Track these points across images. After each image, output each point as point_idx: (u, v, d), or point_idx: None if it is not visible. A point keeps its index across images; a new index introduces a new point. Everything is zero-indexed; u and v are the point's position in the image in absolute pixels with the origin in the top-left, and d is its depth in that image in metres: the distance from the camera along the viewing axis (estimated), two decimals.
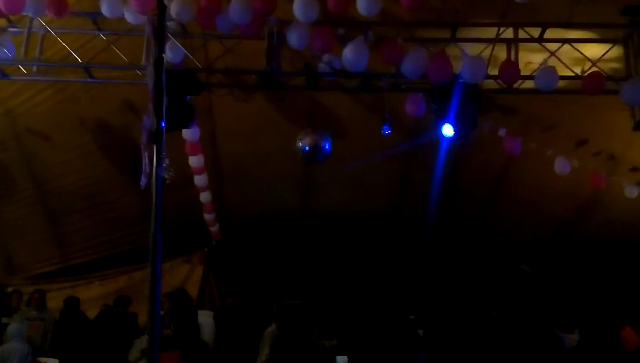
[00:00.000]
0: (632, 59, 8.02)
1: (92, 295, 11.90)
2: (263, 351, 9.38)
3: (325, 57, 7.75)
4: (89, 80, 7.91)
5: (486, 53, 7.67)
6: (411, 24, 7.78)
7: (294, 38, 7.15)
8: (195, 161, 9.91)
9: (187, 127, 8.30)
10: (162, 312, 9.46)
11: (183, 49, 7.77)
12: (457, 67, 7.45)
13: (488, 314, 10.27)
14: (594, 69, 7.76)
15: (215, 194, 11.21)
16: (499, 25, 7.73)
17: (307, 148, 8.71)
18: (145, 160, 4.60)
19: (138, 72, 7.66)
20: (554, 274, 13.20)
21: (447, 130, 7.77)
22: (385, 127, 8.38)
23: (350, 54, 7.23)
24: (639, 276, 10.93)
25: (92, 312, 11.13)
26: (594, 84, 7.62)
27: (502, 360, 8.75)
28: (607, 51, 7.83)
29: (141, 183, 4.83)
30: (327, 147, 8.82)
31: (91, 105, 8.83)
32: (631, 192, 9.93)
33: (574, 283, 12.68)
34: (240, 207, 12.20)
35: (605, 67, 7.83)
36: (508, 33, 7.76)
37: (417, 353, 8.46)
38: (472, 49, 7.63)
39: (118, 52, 7.67)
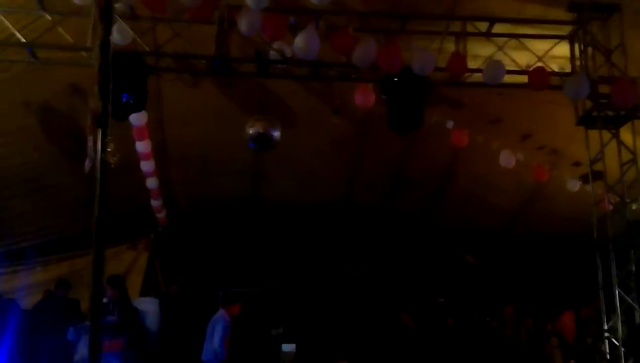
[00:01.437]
0: (577, 55, 8.22)
1: (34, 281, 11.67)
2: (217, 335, 9.39)
3: (276, 45, 7.72)
4: (33, 60, 7.72)
5: (435, 46, 7.75)
6: (362, 13, 7.80)
7: (244, 24, 7.10)
8: (142, 146, 9.76)
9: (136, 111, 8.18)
10: (104, 299, 9.36)
11: (131, 31, 7.63)
12: (407, 59, 7.52)
13: (433, 302, 10.46)
14: (540, 64, 7.93)
15: (162, 181, 11.08)
16: (447, 19, 7.83)
17: (257, 135, 8.67)
18: (90, 144, 4.51)
19: (84, 53, 7.49)
20: (497, 266, 13.48)
21: None
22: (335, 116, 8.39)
23: (302, 42, 7.22)
24: (577, 268, 11.22)
25: (33, 298, 10.93)
26: (539, 79, 7.78)
27: (444, 345, 8.96)
28: (553, 47, 8.01)
29: (85, 167, 4.74)
30: (276, 134, 8.80)
31: (35, 87, 8.60)
32: (572, 186, 10.19)
33: (517, 274, 12.98)
34: (187, 193, 12.11)
35: (552, 62, 8.00)
36: (457, 26, 7.86)
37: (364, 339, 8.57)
38: (422, 42, 7.70)
39: (64, 32, 7.49)
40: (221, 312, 9.20)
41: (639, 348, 7.86)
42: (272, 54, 7.84)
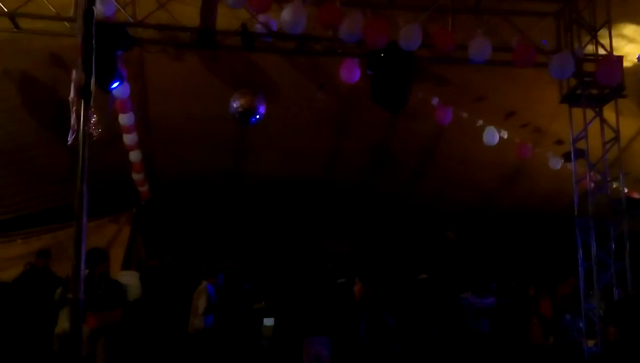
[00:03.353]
0: (563, 33, 8.22)
1: (15, 254, 11.61)
2: (199, 308, 9.47)
3: (262, 18, 7.65)
4: (15, 30, 7.59)
5: (422, 21, 7.71)
6: None
7: None
8: (125, 119, 9.67)
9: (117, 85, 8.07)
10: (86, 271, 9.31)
11: (114, 2, 7.52)
12: (394, 34, 7.48)
13: (414, 278, 10.53)
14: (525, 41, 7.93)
15: (145, 154, 11.00)
16: None
17: (241, 109, 8.61)
18: (73, 116, 4.46)
19: (67, 24, 7.38)
20: (478, 242, 13.60)
21: None
22: (320, 91, 8.33)
23: (288, 16, 7.16)
24: (556, 246, 11.35)
25: (14, 271, 10.86)
26: (524, 56, 7.78)
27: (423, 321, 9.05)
28: (539, 24, 8.00)
29: (68, 139, 4.69)
30: (261, 109, 8.75)
31: (17, 57, 8.47)
32: (554, 164, 10.25)
33: (497, 251, 13.10)
34: (170, 167, 12.05)
35: (538, 40, 8.00)
36: (444, 1, 7.83)
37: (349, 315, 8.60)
38: (409, 16, 7.65)
39: (46, 2, 7.36)
40: (204, 284, 9.29)
41: (617, 324, 7.96)
42: (258, 28, 7.76)
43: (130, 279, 10.40)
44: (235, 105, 8.67)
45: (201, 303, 9.66)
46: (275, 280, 10.76)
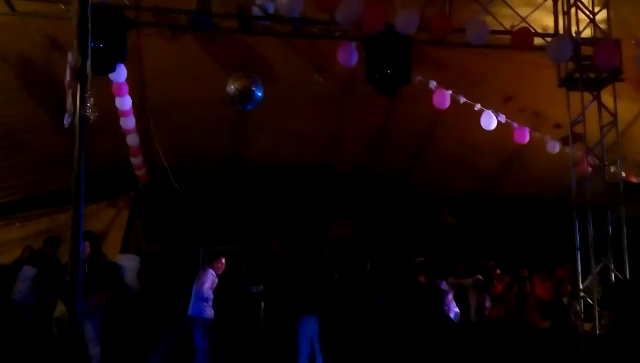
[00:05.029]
0: (561, 17, 8.20)
1: (12, 237, 11.61)
2: (206, 292, 9.51)
3: (259, 1, 7.62)
4: (11, 13, 7.55)
5: (420, 4, 7.69)
6: None
7: None
8: (122, 102, 9.63)
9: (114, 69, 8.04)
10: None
11: None
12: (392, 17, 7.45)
13: (411, 262, 10.54)
14: (523, 25, 7.90)
15: (142, 137, 10.98)
16: None
17: (238, 93, 8.58)
18: (69, 99, 4.46)
19: (62, 6, 7.34)
20: (476, 226, 13.61)
21: None
22: (317, 74, 8.29)
23: None
24: (552, 230, 11.37)
25: (11, 254, 10.88)
26: (522, 39, 7.76)
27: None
28: (537, 7, 7.98)
29: (65, 122, 4.69)
30: (258, 92, 8.72)
31: (13, 40, 8.44)
32: (552, 148, 10.25)
33: (495, 235, 13.12)
34: (168, 151, 12.02)
35: (536, 24, 7.98)
36: None
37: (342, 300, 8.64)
38: (405, 0, 7.62)
39: None
40: (208, 270, 9.37)
41: (614, 308, 8.00)
42: (255, 11, 7.73)
43: (129, 262, 10.41)
44: (232, 88, 8.64)
45: (205, 290, 9.69)
46: (273, 264, 10.80)
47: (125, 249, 11.88)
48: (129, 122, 10.18)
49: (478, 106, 9.39)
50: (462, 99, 9.15)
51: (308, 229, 13.11)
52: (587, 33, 8.20)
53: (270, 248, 11.14)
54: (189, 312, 9.14)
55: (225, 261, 9.69)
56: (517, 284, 11.11)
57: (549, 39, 8.02)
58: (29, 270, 9.71)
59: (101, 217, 12.21)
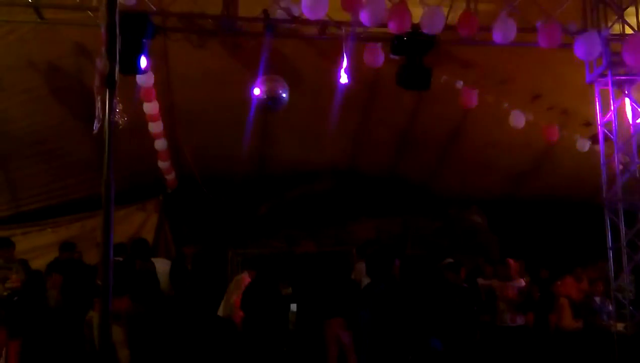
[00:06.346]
0: (589, 13, 8.10)
1: (44, 242, 11.75)
2: (233, 295, 9.57)
3: (284, 4, 7.63)
4: (39, 21, 7.66)
5: (446, 3, 7.64)
6: None
7: None
8: (149, 108, 9.72)
9: (141, 72, 8.10)
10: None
11: None
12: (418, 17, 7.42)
13: (440, 263, 10.47)
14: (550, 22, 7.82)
15: (171, 142, 11.07)
16: None
17: (264, 96, 8.59)
18: (98, 105, 4.50)
19: (90, 13, 7.43)
20: (506, 227, 13.49)
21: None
22: (343, 76, 8.25)
23: (309, 1, 7.14)
24: (583, 229, 11.22)
25: (44, 259, 11.00)
26: (550, 37, 7.68)
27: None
28: (565, 4, 7.88)
29: (94, 128, 4.73)
30: (284, 95, 8.73)
31: (42, 48, 8.56)
32: (582, 146, 10.14)
33: (525, 235, 12.98)
34: (196, 155, 12.10)
35: (563, 20, 7.88)
36: None
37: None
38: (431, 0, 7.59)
39: None
40: (244, 275, 9.46)
41: None
42: (280, 14, 7.75)
43: (160, 266, 10.48)
44: (257, 92, 8.66)
45: (235, 293, 9.75)
46: (301, 266, 10.81)
47: (154, 253, 11.97)
48: (156, 127, 10.27)
49: (506, 105, 9.32)
50: (490, 98, 9.08)
51: (335, 231, 13.12)
52: (615, 29, 8.08)
53: (302, 249, 11.17)
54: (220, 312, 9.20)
55: (253, 264, 9.74)
56: (537, 287, 10.95)
57: (576, 36, 7.92)
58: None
59: (131, 222, 12.32)
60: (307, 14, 7.29)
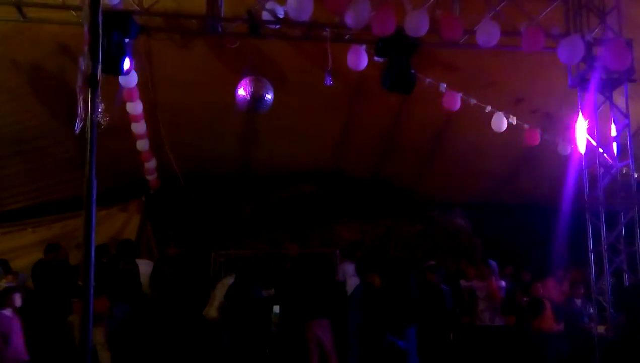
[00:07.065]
0: (572, 17, 8.16)
1: (25, 243, 11.66)
2: (217, 298, 9.57)
3: (269, 5, 7.62)
4: (22, 20, 7.59)
5: (430, 6, 7.66)
6: None
7: None
8: (132, 108, 9.67)
9: (124, 72, 8.04)
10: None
11: None
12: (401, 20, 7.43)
13: (422, 265, 10.53)
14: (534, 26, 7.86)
15: (153, 142, 11.01)
16: None
17: (248, 97, 8.57)
18: (80, 105, 4.47)
19: (73, 12, 7.38)
20: (488, 229, 13.56)
21: None
22: (327, 78, 8.23)
23: (295, 2, 7.13)
24: (568, 233, 11.27)
25: (24, 260, 10.92)
26: (533, 40, 7.72)
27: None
28: (548, 9, 7.94)
29: (76, 128, 4.70)
30: (268, 96, 8.72)
31: (24, 47, 8.49)
32: (564, 149, 10.20)
33: (507, 238, 13.05)
34: (179, 156, 12.05)
35: (546, 25, 7.93)
36: None
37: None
38: (415, 3, 7.60)
39: None
40: (230, 278, 9.46)
41: (627, 310, 7.96)
42: (265, 15, 7.73)
43: (142, 268, 10.43)
44: (242, 92, 8.64)
45: (219, 295, 9.74)
46: (284, 268, 10.81)
47: (136, 254, 11.91)
48: (140, 127, 10.22)
49: (489, 108, 9.35)
50: (473, 101, 9.11)
51: (320, 233, 13.12)
52: (598, 33, 8.15)
53: (287, 251, 11.19)
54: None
55: (237, 265, 9.75)
56: (520, 290, 11.05)
57: (559, 40, 7.97)
58: None
59: (113, 222, 12.25)
60: (293, 16, 7.28)
